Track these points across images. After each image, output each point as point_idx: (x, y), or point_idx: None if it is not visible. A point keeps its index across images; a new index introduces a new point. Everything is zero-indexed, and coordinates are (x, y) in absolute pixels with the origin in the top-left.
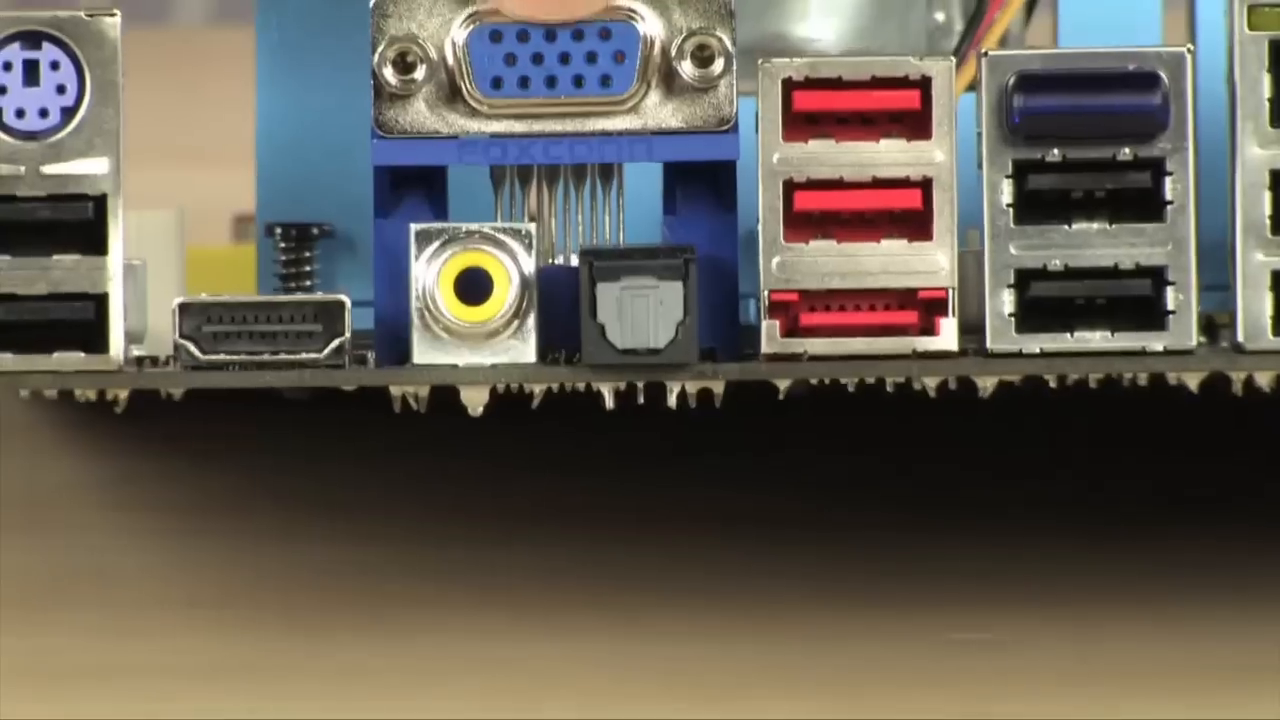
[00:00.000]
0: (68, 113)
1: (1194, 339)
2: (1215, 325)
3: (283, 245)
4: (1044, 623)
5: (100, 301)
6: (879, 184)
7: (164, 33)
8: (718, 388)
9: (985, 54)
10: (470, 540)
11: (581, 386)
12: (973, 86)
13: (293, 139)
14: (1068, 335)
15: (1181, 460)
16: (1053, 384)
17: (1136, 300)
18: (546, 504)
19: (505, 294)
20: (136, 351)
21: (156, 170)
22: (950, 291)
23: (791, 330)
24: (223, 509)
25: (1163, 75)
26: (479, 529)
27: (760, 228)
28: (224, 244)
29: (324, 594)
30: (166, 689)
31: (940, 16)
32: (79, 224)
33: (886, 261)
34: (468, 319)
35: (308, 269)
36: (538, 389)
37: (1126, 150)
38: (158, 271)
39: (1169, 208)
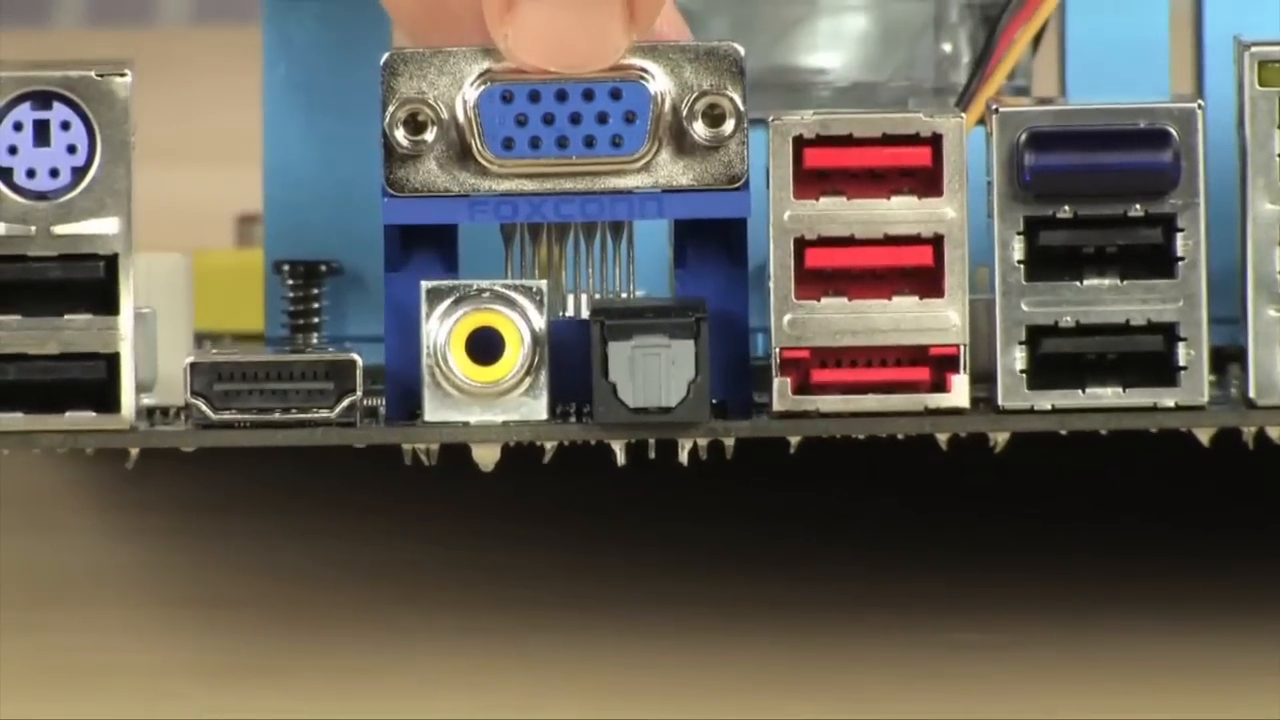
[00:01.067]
0: (78, 172)
1: (1205, 394)
2: (1223, 359)
3: (290, 283)
4: (1046, 624)
5: (111, 361)
6: (890, 241)
7: (146, 34)
8: (729, 443)
9: (996, 110)
10: (471, 540)
11: (593, 442)
12: (981, 121)
13: (301, 176)
14: (1079, 392)
15: (1188, 468)
16: (1064, 434)
17: (1148, 356)
18: (549, 504)
19: (517, 354)
20: (146, 400)
21: (144, 171)
22: (962, 348)
23: (803, 387)
24: (223, 509)
25: (1173, 131)
26: (479, 529)
27: (771, 285)
28: (228, 247)
29: (325, 594)
30: (166, 689)
31: (948, 47)
32: (90, 283)
33: (898, 319)
34: (480, 379)
35: (316, 306)
36: (549, 445)
37: (1138, 207)
38: (166, 315)
39: (1180, 264)
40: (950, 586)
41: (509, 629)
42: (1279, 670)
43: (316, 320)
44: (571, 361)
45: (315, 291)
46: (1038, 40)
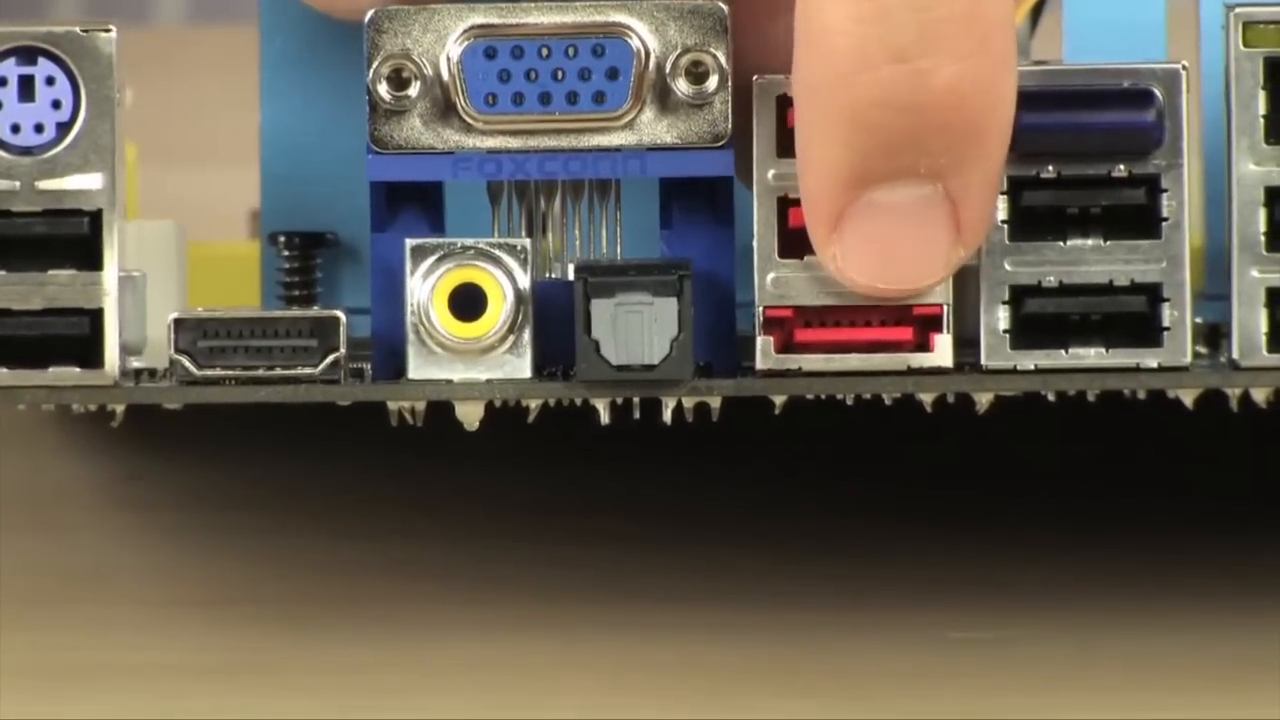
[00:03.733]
0: (63, 128)
1: (1188, 355)
2: (1219, 336)
3: (286, 254)
4: (1044, 622)
5: (95, 316)
6: None
7: (144, 33)
8: (713, 403)
9: None
10: (469, 538)
11: (577, 401)
12: None
13: (297, 148)
14: (1062, 352)
15: (1182, 461)
16: (1050, 398)
17: (1131, 317)
18: (543, 502)
19: (500, 310)
20: (136, 363)
21: (150, 170)
22: (945, 308)
23: (787, 346)
24: (222, 507)
25: (1157, 92)
26: (477, 528)
27: (755, 244)
28: (241, 240)
29: (324, 592)
30: (166, 688)
31: None
32: (74, 239)
33: None
34: (463, 335)
35: (311, 278)
36: (533, 404)
37: (1121, 167)
38: (158, 282)
39: (1164, 224)
40: (941, 573)
41: (510, 629)
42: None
43: (311, 292)
44: (558, 324)
45: (310, 263)
46: (1036, 17)
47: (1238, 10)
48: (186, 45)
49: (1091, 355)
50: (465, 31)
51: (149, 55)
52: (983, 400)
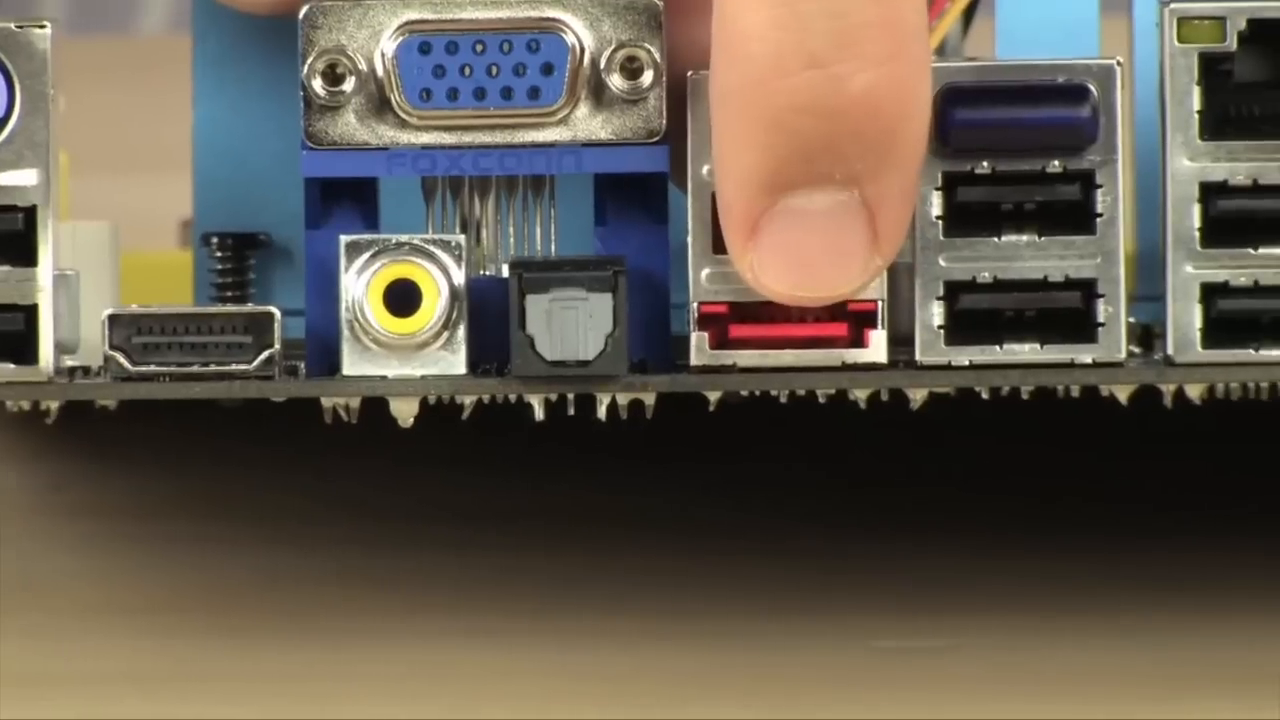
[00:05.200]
0: None
1: (1123, 351)
2: (1152, 336)
3: (219, 255)
4: (981, 629)
5: (30, 313)
6: None
7: (125, 42)
8: (648, 399)
9: None
10: (403, 542)
11: (512, 398)
12: None
13: (230, 149)
14: (997, 348)
15: (1129, 461)
16: (984, 395)
17: (1066, 312)
18: (483, 508)
19: (434, 305)
20: (70, 362)
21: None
22: (880, 304)
23: (721, 342)
24: (154, 513)
25: (1092, 88)
26: (411, 531)
27: (689, 240)
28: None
29: (257, 598)
30: (98, 695)
31: None
32: (9, 235)
33: None
34: (397, 330)
35: (244, 279)
36: (468, 400)
37: (1056, 163)
38: (92, 283)
39: (1098, 220)
40: (879, 579)
41: (447, 633)
42: (1214, 666)
43: (244, 294)
44: (492, 321)
45: (244, 264)
46: (969, 17)
47: (1172, 6)
48: (169, 54)
49: (1026, 351)
50: (400, 27)
51: (131, 64)
52: (917, 396)
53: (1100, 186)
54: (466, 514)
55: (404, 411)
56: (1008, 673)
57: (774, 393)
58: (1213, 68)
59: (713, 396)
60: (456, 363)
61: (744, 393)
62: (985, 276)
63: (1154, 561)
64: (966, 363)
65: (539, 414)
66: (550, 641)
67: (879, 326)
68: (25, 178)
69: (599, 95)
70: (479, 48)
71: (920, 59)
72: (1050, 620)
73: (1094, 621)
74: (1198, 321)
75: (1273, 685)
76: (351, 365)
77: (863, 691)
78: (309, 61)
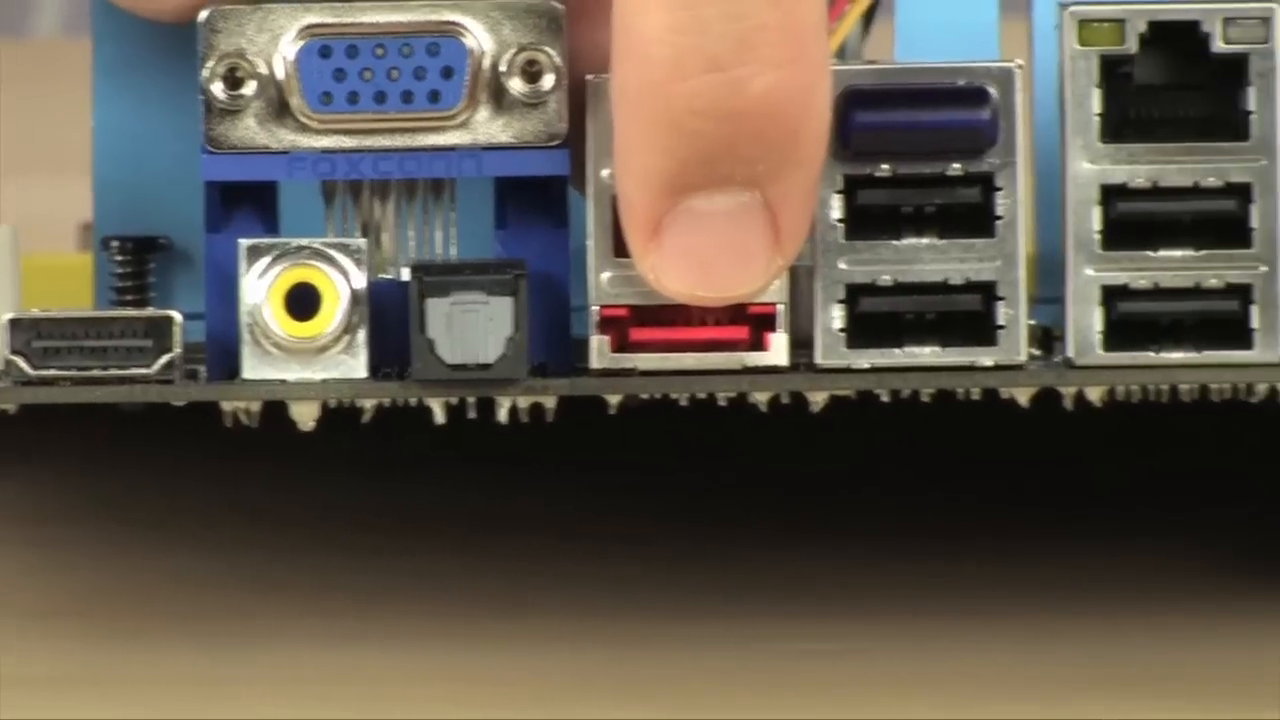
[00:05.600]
0: None
1: (1023, 354)
2: (1051, 338)
3: (119, 258)
4: (892, 631)
5: None
6: None
7: (20, 45)
8: (548, 403)
9: None
10: (304, 545)
11: (412, 402)
12: None
13: (131, 152)
14: (897, 350)
15: (1022, 464)
16: (885, 399)
17: (966, 315)
18: (383, 511)
19: (335, 309)
20: None
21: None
22: (780, 307)
23: (622, 345)
24: (53, 517)
25: (992, 91)
26: (316, 536)
27: (590, 243)
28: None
29: (157, 602)
30: (10, 700)
31: None
32: None
33: None
34: (297, 334)
35: (144, 283)
36: (368, 404)
37: (956, 165)
38: None
39: (998, 223)
40: (788, 581)
41: (352, 637)
42: (1109, 666)
43: (144, 297)
44: (393, 324)
45: (143, 268)
46: (869, 19)
47: (1072, 9)
48: (63, 57)
49: (927, 354)
50: (300, 31)
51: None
52: (817, 399)
53: (1000, 189)
54: (366, 517)
55: (304, 415)
56: (907, 675)
57: (674, 396)
58: (1113, 70)
59: (613, 400)
60: (357, 366)
61: (644, 396)
62: (885, 279)
63: (1052, 563)
64: (867, 365)
65: (439, 418)
66: (449, 644)
67: (779, 329)
68: None
69: (499, 99)
70: (379, 51)
71: (820, 61)
72: (950, 622)
73: (992, 623)
74: (1098, 324)
75: (1162, 686)
76: (252, 369)
77: (761, 693)
78: (209, 65)
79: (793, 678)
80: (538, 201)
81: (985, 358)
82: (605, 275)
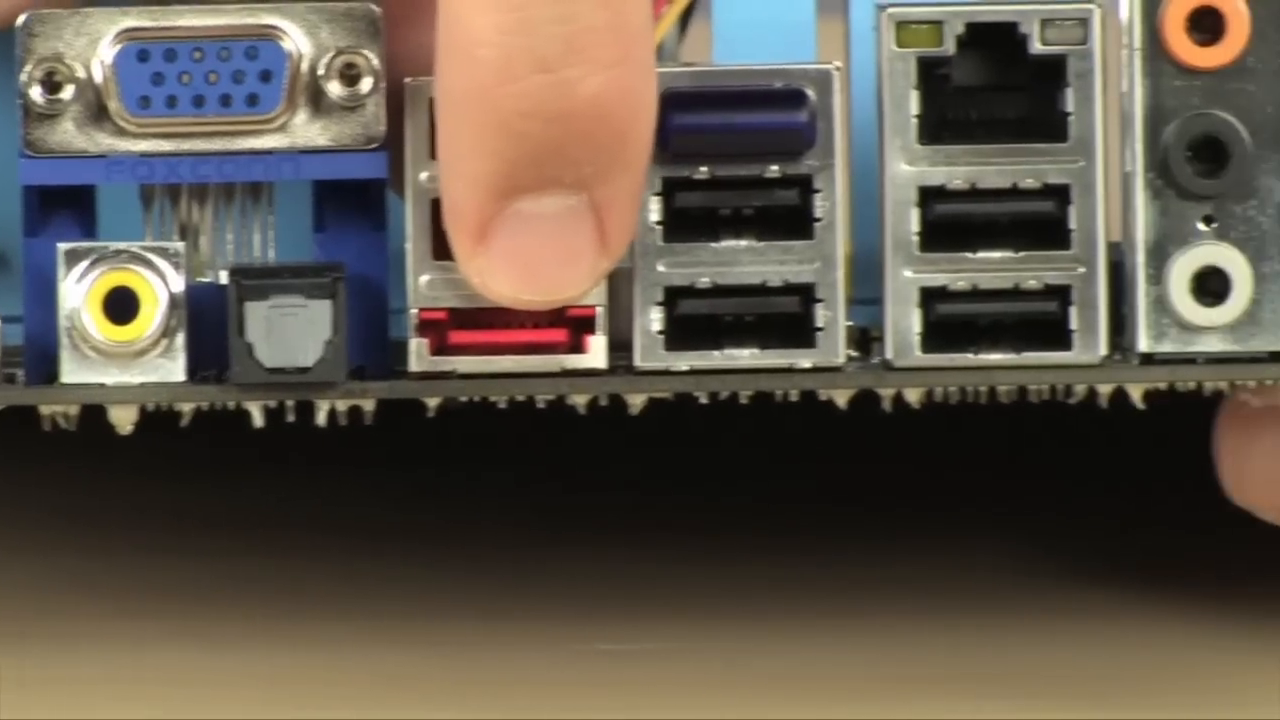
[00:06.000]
0: None
1: (842, 355)
2: (869, 339)
3: None
4: (712, 630)
5: None
6: None
7: None
8: (367, 406)
9: None
10: (123, 549)
11: (230, 405)
12: None
13: None
14: (716, 353)
15: (840, 464)
16: (703, 400)
17: (785, 317)
18: (202, 514)
19: (153, 313)
20: None
21: None
22: (599, 310)
23: (441, 348)
24: None
25: (810, 93)
26: (134, 539)
27: (409, 246)
28: None
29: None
30: None
31: None
32: None
33: None
34: (116, 338)
35: None
36: (186, 408)
37: (774, 168)
38: None
39: (817, 225)
40: (593, 583)
41: (160, 636)
42: (926, 667)
43: None
44: (212, 328)
45: None
46: (685, 20)
47: (890, 10)
48: None
49: (745, 356)
50: (118, 35)
51: None
52: (636, 402)
53: (818, 191)
54: (184, 520)
55: (122, 419)
56: (730, 674)
57: (493, 399)
58: (931, 72)
59: (432, 403)
60: (175, 370)
61: (463, 399)
62: (704, 282)
63: (872, 563)
64: (685, 368)
65: (258, 421)
66: (267, 645)
67: (598, 332)
68: None
69: (317, 102)
70: (197, 55)
71: (647, 62)
72: (768, 623)
73: (810, 623)
74: (916, 326)
75: (982, 686)
76: (70, 373)
77: (582, 692)
78: (27, 69)
79: (607, 677)
80: (356, 204)
81: (804, 360)
82: (424, 278)
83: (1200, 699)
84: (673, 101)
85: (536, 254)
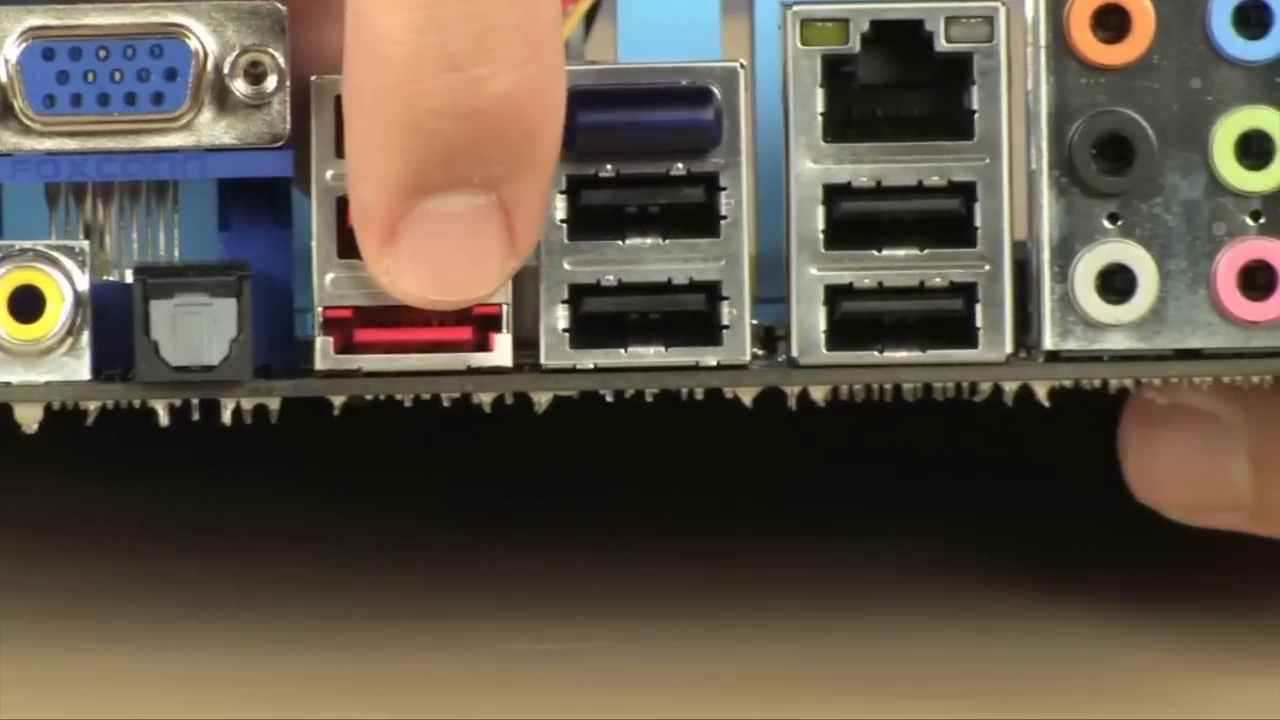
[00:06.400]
0: None
1: (748, 354)
2: (774, 338)
3: None
4: (617, 629)
5: None
6: None
7: None
8: (272, 405)
9: None
10: (38, 549)
11: (136, 404)
12: None
13: None
14: (621, 351)
15: (757, 463)
16: (609, 399)
17: (691, 315)
18: (106, 512)
19: (59, 312)
20: None
21: None
22: (505, 308)
23: (346, 347)
24: None
25: (715, 90)
26: (46, 538)
27: (314, 244)
28: None
29: None
30: None
31: None
32: None
33: None
34: (21, 337)
35: None
36: (91, 406)
37: (680, 166)
38: None
39: (723, 223)
40: (515, 583)
41: (61, 634)
42: (833, 667)
43: None
44: (117, 326)
45: None
46: (590, 19)
47: (795, 8)
48: None
49: (651, 354)
50: (23, 33)
51: None
52: (541, 400)
53: (724, 189)
54: (89, 519)
55: (27, 417)
56: (633, 674)
57: (399, 397)
58: (836, 70)
59: (337, 401)
60: (81, 369)
61: (369, 397)
62: (610, 280)
63: (784, 563)
64: (591, 366)
65: (163, 419)
66: (163, 645)
67: (504, 330)
68: None
69: (223, 100)
70: (103, 54)
71: (557, 59)
72: (668, 622)
73: (712, 623)
74: (822, 323)
75: (883, 685)
76: None
77: (486, 694)
78: None
79: (519, 677)
80: (261, 203)
81: (709, 357)
82: (329, 276)
83: (1104, 698)
84: (578, 100)
85: (445, 254)
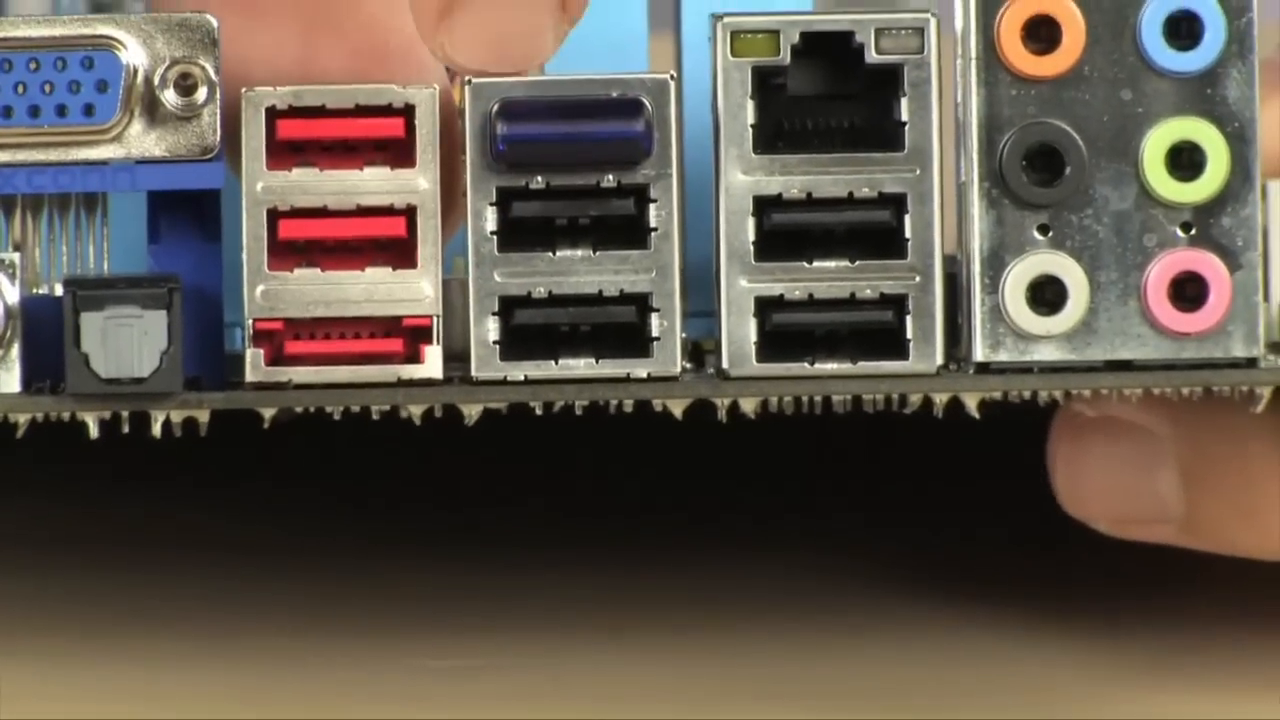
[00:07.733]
0: None
1: (678, 365)
2: (702, 352)
3: None
4: (535, 646)
5: None
6: (363, 212)
7: None
8: (202, 417)
9: (469, 81)
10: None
11: (65, 416)
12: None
13: None
14: (552, 363)
15: (680, 477)
16: (539, 411)
17: (621, 327)
18: (36, 526)
19: None
20: None
21: None
22: (435, 319)
23: (276, 359)
24: None
25: (646, 102)
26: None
27: (244, 256)
28: None
29: None
30: None
31: None
32: None
33: (371, 290)
34: None
35: None
36: (21, 419)
37: (610, 177)
38: None
39: (653, 235)
40: (421, 599)
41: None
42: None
43: None
44: (47, 339)
45: None
46: None
47: (725, 20)
48: None
49: (581, 366)
50: None
51: None
52: (471, 412)
53: (655, 201)
54: (23, 531)
55: None
56: (553, 690)
57: (329, 409)
58: (766, 81)
59: (267, 413)
60: (10, 381)
61: (299, 409)
62: (540, 291)
63: (713, 575)
64: (522, 378)
65: (93, 432)
66: (99, 658)
67: (434, 342)
68: None
69: (153, 112)
70: (33, 65)
71: None
72: (585, 636)
73: (638, 637)
74: (752, 335)
75: (808, 700)
76: None
77: (395, 709)
78: None
79: (427, 692)
80: (191, 215)
81: (640, 369)
82: (259, 288)
83: (1027, 707)
84: (508, 111)
85: (499, 25)
